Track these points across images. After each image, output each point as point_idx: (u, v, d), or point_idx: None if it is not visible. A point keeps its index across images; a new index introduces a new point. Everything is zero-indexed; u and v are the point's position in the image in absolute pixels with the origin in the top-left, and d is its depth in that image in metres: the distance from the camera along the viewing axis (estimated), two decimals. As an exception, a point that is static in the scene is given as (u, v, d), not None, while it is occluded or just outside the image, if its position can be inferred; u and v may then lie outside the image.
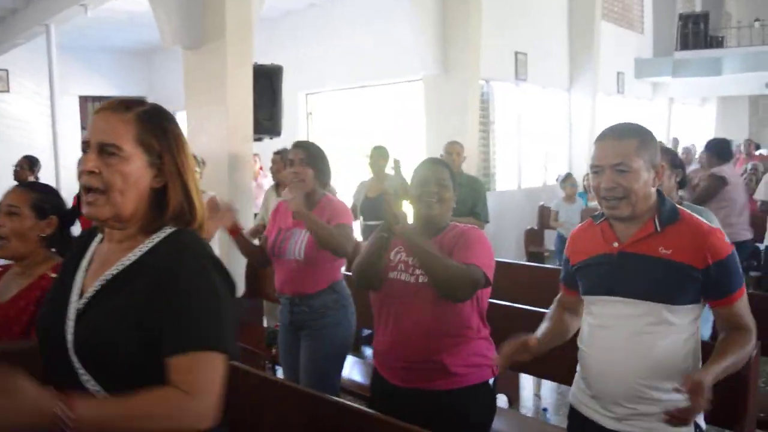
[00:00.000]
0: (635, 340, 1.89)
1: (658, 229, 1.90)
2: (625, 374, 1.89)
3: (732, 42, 16.09)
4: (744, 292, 1.90)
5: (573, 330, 2.19)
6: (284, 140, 10.18)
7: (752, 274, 6.96)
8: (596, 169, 1.94)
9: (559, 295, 2.25)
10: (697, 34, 14.98)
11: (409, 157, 8.89)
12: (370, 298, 2.46)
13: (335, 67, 9.47)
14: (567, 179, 7.44)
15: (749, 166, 9.37)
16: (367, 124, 9.87)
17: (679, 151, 11.91)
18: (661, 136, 14.43)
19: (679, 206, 1.98)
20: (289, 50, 9.78)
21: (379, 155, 5.92)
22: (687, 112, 17.35)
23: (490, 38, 8.65)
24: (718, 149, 5.50)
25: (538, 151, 10.36)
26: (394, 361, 2.34)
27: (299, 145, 3.26)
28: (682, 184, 2.96)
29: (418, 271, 2.30)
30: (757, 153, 12.10)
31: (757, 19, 15.54)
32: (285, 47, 9.81)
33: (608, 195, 1.91)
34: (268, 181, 7.18)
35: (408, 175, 2.58)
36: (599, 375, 1.96)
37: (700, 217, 1.95)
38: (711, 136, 16.54)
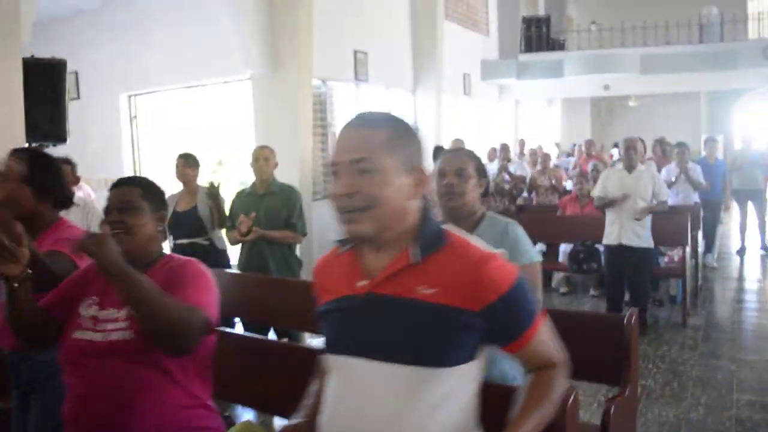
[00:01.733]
0: (392, 421, 1.32)
1: (417, 259, 1.36)
2: None
3: (573, 45, 16.57)
4: (540, 321, 1.42)
5: None
6: (106, 147, 9.28)
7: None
8: (334, 167, 1.38)
9: None
10: (539, 37, 15.27)
11: (243, 163, 8.28)
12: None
13: (159, 67, 8.58)
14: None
15: (590, 166, 9.39)
16: (198, 127, 9.07)
17: (526, 152, 11.95)
18: (509, 137, 14.56)
19: (448, 228, 1.45)
20: (109, 48, 8.87)
21: (185, 164, 5.23)
22: (533, 114, 17.71)
23: (325, 35, 8.14)
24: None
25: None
26: None
27: (17, 152, 2.46)
28: (485, 194, 2.51)
29: (110, 326, 1.76)
30: (614, 152, 12.06)
31: (593, 22, 16.07)
32: (103, 45, 8.89)
33: (344, 205, 1.35)
34: (84, 193, 6.25)
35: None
36: None
37: (472, 239, 1.43)
38: (556, 137, 17.07)
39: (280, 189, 4.66)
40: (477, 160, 2.47)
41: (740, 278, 8.28)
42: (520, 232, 2.36)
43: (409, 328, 1.33)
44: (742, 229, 9.42)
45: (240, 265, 4.64)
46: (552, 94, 16.87)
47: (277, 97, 7.39)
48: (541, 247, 8.25)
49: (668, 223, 6.35)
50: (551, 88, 15.37)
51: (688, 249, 6.39)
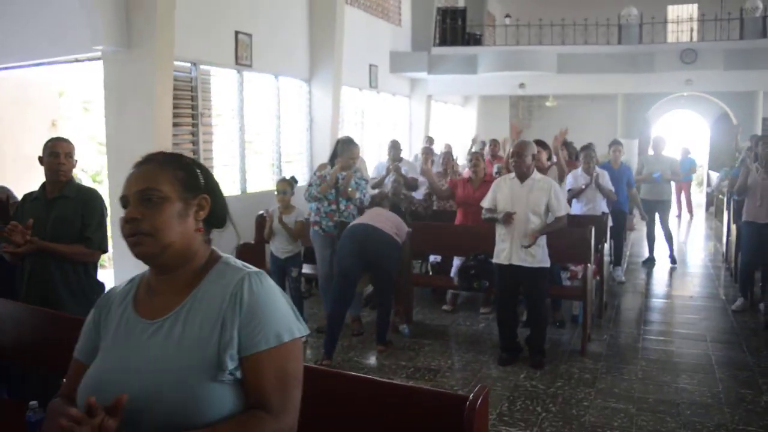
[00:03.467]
0: None
1: None
2: None
3: (490, 41, 15.91)
4: None
5: None
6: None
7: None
8: None
9: None
10: (455, 30, 14.50)
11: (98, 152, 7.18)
12: None
13: (3, 39, 7.33)
14: (281, 183, 6.05)
15: (495, 169, 8.63)
16: (52, 109, 7.87)
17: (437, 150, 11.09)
18: (421, 134, 13.77)
19: None
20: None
21: None
22: (450, 111, 17.01)
23: (197, 11, 7.12)
24: None
25: (269, 150, 8.94)
26: None
27: None
28: (215, 221, 1.59)
29: None
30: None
31: (507, 16, 15.41)
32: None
33: None
34: None
35: None
36: None
37: None
38: (472, 136, 16.40)
39: (77, 192, 3.62)
40: (184, 168, 1.54)
41: (648, 294, 7.67)
42: (264, 291, 1.46)
43: None
44: (650, 241, 8.86)
45: (21, 293, 3.58)
46: (467, 91, 16.17)
47: (131, 80, 6.33)
48: (435, 257, 7.43)
49: (569, 238, 5.61)
50: (466, 84, 14.64)
51: (590, 267, 5.65)
